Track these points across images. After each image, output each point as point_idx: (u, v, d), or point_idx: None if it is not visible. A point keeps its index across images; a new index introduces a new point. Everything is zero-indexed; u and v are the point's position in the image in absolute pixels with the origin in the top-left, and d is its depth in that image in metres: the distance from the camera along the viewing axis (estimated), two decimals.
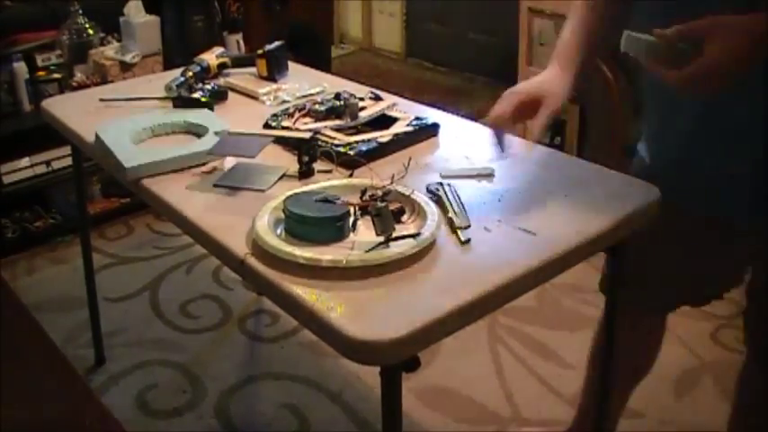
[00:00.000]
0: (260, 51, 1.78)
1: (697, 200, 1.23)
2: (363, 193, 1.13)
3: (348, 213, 1.08)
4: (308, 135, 1.29)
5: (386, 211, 1.06)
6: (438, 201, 1.15)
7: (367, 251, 1.00)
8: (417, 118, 1.46)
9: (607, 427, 1.63)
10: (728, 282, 1.37)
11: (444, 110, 1.57)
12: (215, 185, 1.24)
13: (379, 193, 1.12)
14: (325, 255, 0.99)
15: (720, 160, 1.19)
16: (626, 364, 1.53)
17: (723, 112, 1.14)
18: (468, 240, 1.06)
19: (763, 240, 1.24)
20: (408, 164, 1.26)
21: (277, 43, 1.79)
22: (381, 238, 1.02)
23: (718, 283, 1.37)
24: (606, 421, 1.61)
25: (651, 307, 1.44)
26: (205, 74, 1.76)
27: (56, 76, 2.58)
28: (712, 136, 1.19)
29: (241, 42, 3.03)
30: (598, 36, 1.27)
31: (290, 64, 1.85)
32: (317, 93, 1.68)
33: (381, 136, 1.38)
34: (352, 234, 1.08)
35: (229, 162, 1.34)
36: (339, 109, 1.45)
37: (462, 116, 1.57)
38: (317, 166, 1.29)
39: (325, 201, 1.10)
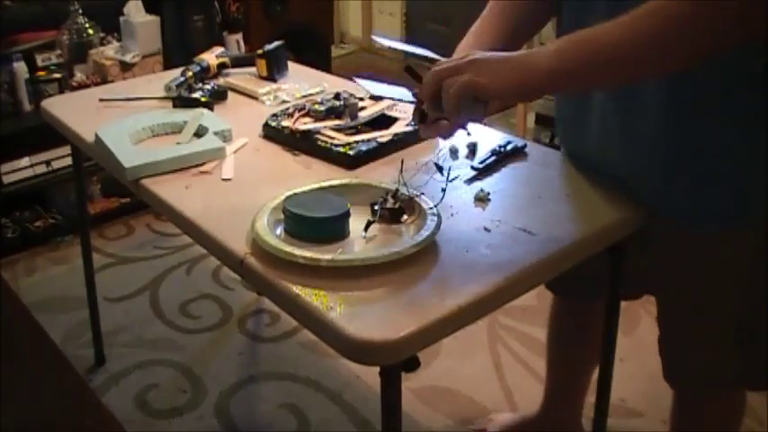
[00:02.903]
0: (260, 51, 1.78)
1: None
2: (377, 201, 1.14)
3: (348, 213, 1.08)
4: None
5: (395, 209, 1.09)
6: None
7: (364, 237, 1.00)
8: None
9: (576, 412, 1.71)
10: (642, 286, 1.34)
11: None
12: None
13: (388, 195, 1.13)
14: (325, 255, 0.99)
15: (630, 161, 1.16)
16: (573, 351, 1.63)
17: (629, 112, 1.12)
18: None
19: (669, 255, 1.20)
20: (401, 169, 1.25)
21: (277, 43, 1.79)
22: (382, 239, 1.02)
23: (634, 284, 1.32)
24: (575, 409, 1.71)
25: (578, 294, 1.47)
26: (205, 74, 1.76)
27: (56, 76, 2.58)
28: (621, 136, 1.15)
29: (241, 42, 3.03)
30: (511, 28, 1.24)
31: (290, 64, 1.85)
32: (317, 93, 1.67)
33: (381, 136, 1.38)
34: (352, 233, 1.08)
35: (228, 163, 1.34)
36: (339, 109, 1.45)
37: None
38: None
39: (325, 200, 1.10)
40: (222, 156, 1.36)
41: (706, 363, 1.24)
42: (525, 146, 1.38)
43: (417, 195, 1.14)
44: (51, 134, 1.70)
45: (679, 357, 1.29)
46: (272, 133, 1.43)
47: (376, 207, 1.12)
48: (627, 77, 0.99)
